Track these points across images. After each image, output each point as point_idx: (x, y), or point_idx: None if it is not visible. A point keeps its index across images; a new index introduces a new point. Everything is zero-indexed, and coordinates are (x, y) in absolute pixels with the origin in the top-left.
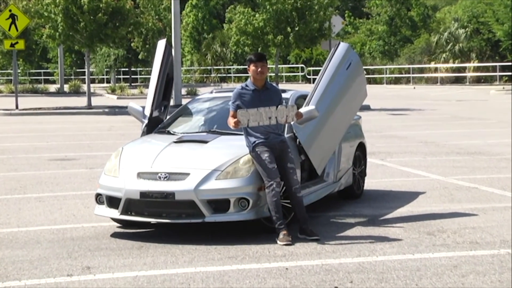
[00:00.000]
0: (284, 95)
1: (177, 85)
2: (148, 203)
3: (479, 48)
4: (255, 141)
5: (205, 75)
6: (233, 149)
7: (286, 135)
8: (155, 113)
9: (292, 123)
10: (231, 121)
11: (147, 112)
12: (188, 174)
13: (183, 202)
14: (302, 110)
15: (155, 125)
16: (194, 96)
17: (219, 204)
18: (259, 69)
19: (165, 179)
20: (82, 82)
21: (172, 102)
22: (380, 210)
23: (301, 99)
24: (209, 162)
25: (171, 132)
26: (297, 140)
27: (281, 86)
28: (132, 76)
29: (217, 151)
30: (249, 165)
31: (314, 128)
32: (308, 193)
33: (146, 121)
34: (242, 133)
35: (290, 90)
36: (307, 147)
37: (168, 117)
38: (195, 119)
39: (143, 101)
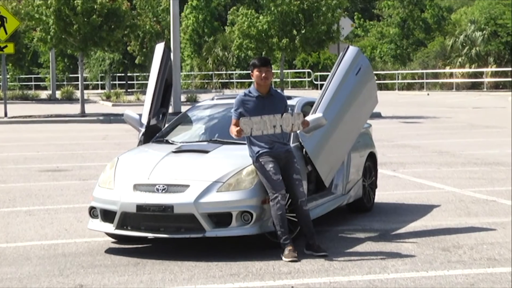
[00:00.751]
0: (289, 102)
1: (176, 92)
2: (145, 216)
3: (497, 52)
4: (259, 151)
5: (206, 81)
6: (235, 160)
7: (291, 145)
8: (153, 121)
9: (298, 131)
10: (233, 130)
11: (144, 120)
12: (187, 186)
13: (182, 216)
14: (309, 118)
15: (152, 134)
16: (194, 103)
17: (220, 218)
18: (263, 75)
19: (163, 191)
20: (75, 88)
21: (170, 110)
22: (391, 224)
23: (307, 106)
24: (210, 173)
25: (170, 142)
26: (304, 150)
27: (287, 92)
28: (128, 82)
29: (219, 162)
30: (253, 176)
31: (321, 137)
32: (315, 206)
33: (143, 130)
34: (245, 142)
35: (296, 96)
36: (314, 157)
37: (166, 125)
38: (195, 128)
39: (140, 109)
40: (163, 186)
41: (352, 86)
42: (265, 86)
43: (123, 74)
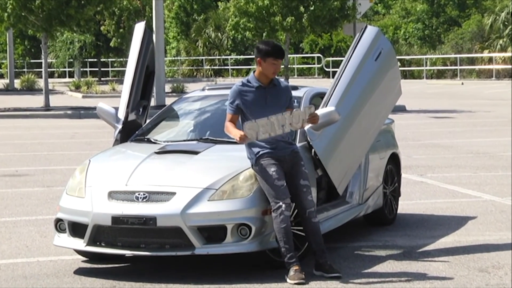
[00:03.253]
0: (295, 93)
1: (160, 81)
2: (122, 230)
3: None
4: (259, 152)
5: (195, 68)
6: (230, 162)
7: (298, 144)
8: (132, 116)
9: (306, 128)
10: (229, 128)
11: (121, 115)
12: (173, 193)
13: (167, 230)
14: (319, 112)
15: (131, 132)
16: (181, 95)
17: (213, 232)
18: (276, 68)
19: (144, 200)
20: (38, 77)
21: (153, 102)
22: (418, 240)
23: (317, 98)
24: (200, 179)
25: (152, 140)
26: (313, 150)
27: (292, 81)
28: (102, 69)
29: (211, 165)
30: (251, 182)
31: (334, 136)
32: (327, 218)
33: (119, 126)
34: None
35: (304, 86)
36: (325, 159)
37: (148, 121)
38: (183, 124)
39: (117, 101)
40: (144, 194)
41: (371, 74)
42: (270, 77)
43: (95, 60)
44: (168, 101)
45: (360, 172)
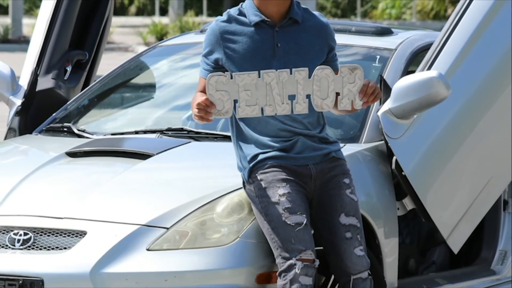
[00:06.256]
0: (378, 42)
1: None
2: None
3: None
4: (256, 156)
5: None
6: (205, 177)
7: (360, 145)
8: (45, 82)
9: (380, 114)
10: (194, 105)
11: (25, 79)
12: (81, 234)
13: None
14: (410, 79)
15: (43, 112)
16: (157, 42)
17: None
18: None
19: (25, 245)
20: None
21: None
22: None
23: (422, 54)
24: (137, 208)
25: (76, 132)
26: (393, 159)
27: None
28: None
29: (163, 181)
30: (239, 217)
31: (442, 134)
32: None
33: (19, 102)
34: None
35: (400, 30)
36: (420, 179)
37: (83, 91)
38: (151, 99)
39: (19, 53)
40: (26, 234)
41: None
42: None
43: None
44: (123, 55)
45: None
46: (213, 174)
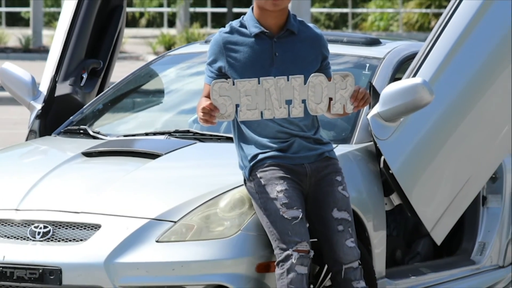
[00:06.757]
0: (369, 51)
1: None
2: None
3: None
4: (256, 155)
5: None
6: (209, 175)
7: (351, 146)
8: (63, 88)
9: (369, 117)
10: (199, 109)
11: (44, 86)
12: (95, 227)
13: None
14: (396, 86)
15: (61, 116)
16: (165, 52)
17: None
18: None
19: (45, 237)
20: None
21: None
22: None
23: (409, 62)
24: (147, 203)
25: (92, 134)
26: (381, 158)
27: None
28: (5, 10)
29: (171, 179)
30: (241, 211)
31: (427, 135)
32: (415, 286)
33: (39, 106)
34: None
35: (391, 39)
36: (406, 176)
37: (97, 96)
38: (161, 105)
39: (39, 62)
40: (45, 227)
41: (503, 28)
42: (277, 12)
43: None
44: (133, 64)
45: (501, 207)
46: (216, 172)
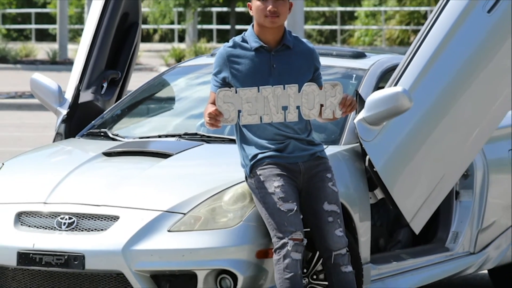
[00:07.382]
0: (356, 63)
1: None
2: (31, 275)
3: None
4: (256, 155)
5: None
6: (214, 172)
7: (340, 146)
8: (86, 96)
9: (356, 121)
10: (206, 114)
11: (69, 94)
12: (114, 218)
13: (100, 276)
14: (377, 94)
15: (84, 121)
16: (176, 63)
17: (176, 283)
18: (270, 7)
19: (70, 227)
20: None
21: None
22: None
23: (391, 73)
24: (160, 197)
25: (111, 136)
26: (367, 158)
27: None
28: (35, 27)
29: (181, 175)
30: (243, 204)
31: (406, 137)
32: (398, 272)
33: (64, 112)
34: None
35: (376, 53)
36: (389, 173)
37: (116, 103)
38: (172, 111)
39: (63, 73)
40: (70, 218)
41: (479, 36)
42: (274, 29)
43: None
44: (145, 76)
45: (471, 201)
46: (221, 170)
